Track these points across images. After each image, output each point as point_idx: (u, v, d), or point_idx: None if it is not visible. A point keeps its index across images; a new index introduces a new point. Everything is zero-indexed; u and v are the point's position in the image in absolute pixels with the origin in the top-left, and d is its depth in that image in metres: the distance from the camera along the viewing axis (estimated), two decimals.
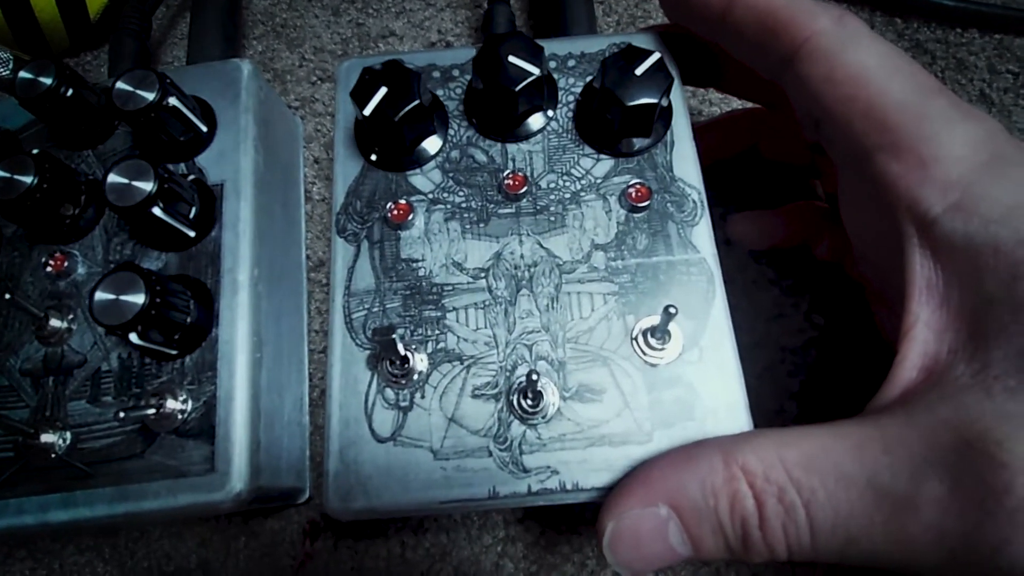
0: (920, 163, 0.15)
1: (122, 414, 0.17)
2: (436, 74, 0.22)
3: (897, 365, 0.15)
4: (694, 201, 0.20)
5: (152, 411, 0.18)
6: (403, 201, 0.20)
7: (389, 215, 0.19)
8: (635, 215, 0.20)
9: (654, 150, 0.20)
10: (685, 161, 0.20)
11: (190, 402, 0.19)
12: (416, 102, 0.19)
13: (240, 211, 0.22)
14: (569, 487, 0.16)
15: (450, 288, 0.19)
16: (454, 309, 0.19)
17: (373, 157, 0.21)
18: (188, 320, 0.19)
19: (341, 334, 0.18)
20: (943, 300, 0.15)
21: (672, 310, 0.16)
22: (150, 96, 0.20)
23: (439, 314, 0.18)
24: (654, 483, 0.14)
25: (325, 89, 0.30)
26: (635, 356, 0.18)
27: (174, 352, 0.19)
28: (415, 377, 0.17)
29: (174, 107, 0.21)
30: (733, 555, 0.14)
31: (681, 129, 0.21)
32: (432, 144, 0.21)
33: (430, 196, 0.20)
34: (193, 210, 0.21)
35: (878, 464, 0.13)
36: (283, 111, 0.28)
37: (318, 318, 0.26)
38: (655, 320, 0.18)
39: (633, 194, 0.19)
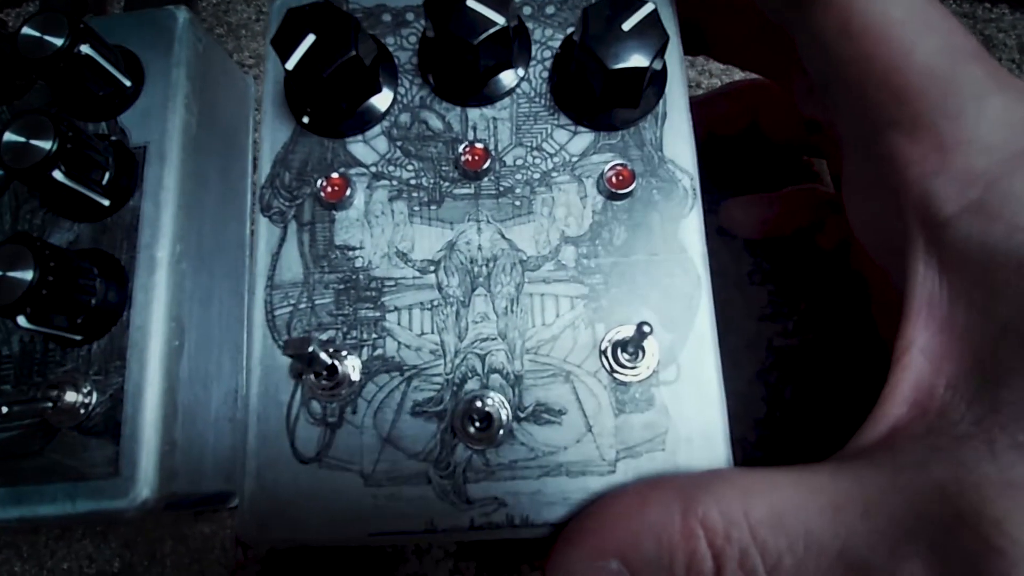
0: (938, 147, 0.12)
1: (5, 409, 0.15)
2: (386, 17, 0.18)
3: (885, 398, 0.13)
4: (685, 188, 0.17)
5: (48, 404, 0.16)
6: (338, 175, 0.16)
7: (322, 192, 0.16)
8: (614, 203, 0.17)
9: (642, 123, 0.17)
10: (678, 139, 0.17)
11: (95, 395, 0.17)
12: (352, 54, 0.15)
13: (164, 178, 0.18)
14: (518, 522, 0.14)
15: (392, 283, 0.16)
16: (396, 309, 0.16)
17: (305, 120, 0.17)
18: (94, 301, 0.17)
19: (262, 334, 0.16)
20: (946, 323, 0.12)
21: (646, 328, 0.13)
22: (58, 42, 0.17)
23: (378, 314, 0.16)
24: (606, 532, 0.13)
25: None
26: (603, 371, 0.15)
27: (78, 338, 0.17)
28: (346, 389, 0.15)
29: (87, 56, 0.17)
30: None
31: (676, 100, 0.17)
32: (378, 104, 0.17)
33: (372, 169, 0.17)
34: (107, 175, 0.18)
35: (854, 531, 0.11)
36: (229, 68, 0.24)
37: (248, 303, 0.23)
38: (629, 331, 0.15)
39: (613, 178, 0.16)
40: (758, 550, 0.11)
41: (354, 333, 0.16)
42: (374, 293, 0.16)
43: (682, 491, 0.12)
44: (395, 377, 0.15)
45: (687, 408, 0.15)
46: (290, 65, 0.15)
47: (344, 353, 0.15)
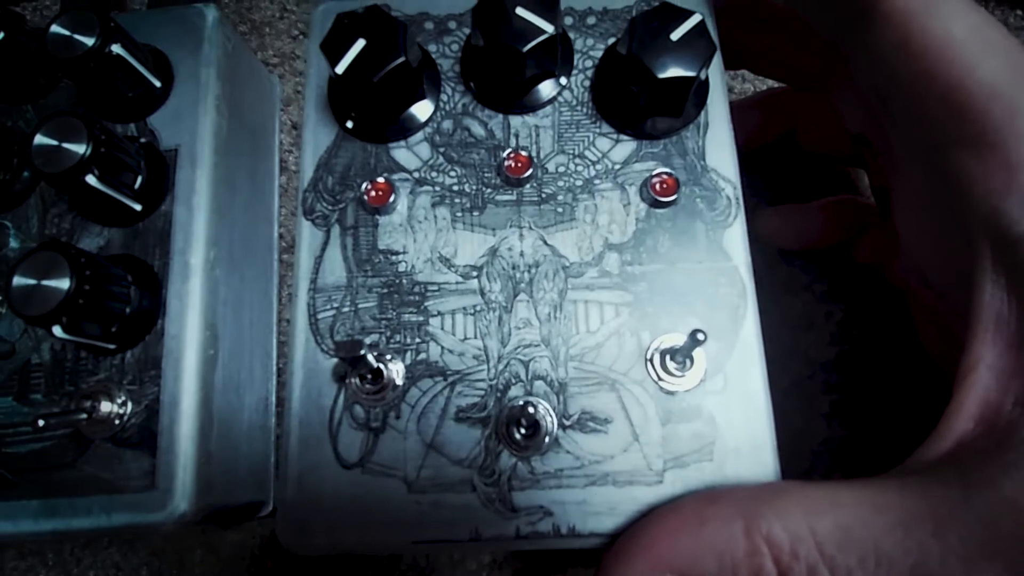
0: (1006, 165, 0.12)
1: (41, 422, 0.15)
2: (429, 25, 0.18)
3: (951, 414, 0.13)
4: (728, 198, 0.17)
5: (83, 416, 0.16)
6: (383, 180, 0.16)
7: (366, 196, 0.16)
8: (658, 210, 0.17)
9: (684, 133, 0.17)
10: (720, 149, 0.17)
11: (130, 405, 0.17)
12: (401, 59, 0.15)
13: (196, 182, 0.18)
14: (564, 531, 0.14)
15: (435, 288, 0.16)
16: (439, 314, 0.16)
17: (349, 124, 0.17)
18: (128, 310, 0.17)
19: (304, 337, 0.16)
20: (1014, 340, 0.12)
21: (700, 336, 0.13)
22: (89, 42, 0.17)
23: (421, 319, 0.16)
24: (661, 548, 0.12)
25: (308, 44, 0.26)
26: (649, 380, 0.15)
27: (112, 347, 0.17)
28: (390, 393, 0.15)
29: (118, 56, 0.17)
30: None
31: (717, 110, 0.17)
32: (421, 111, 0.17)
33: (415, 175, 0.17)
34: (139, 179, 0.18)
35: (927, 549, 0.11)
36: (256, 67, 0.24)
37: (290, 306, 0.23)
38: (676, 340, 0.15)
39: (657, 185, 0.16)
40: (827, 567, 0.11)
41: (398, 337, 0.16)
42: (417, 297, 0.16)
43: (743, 507, 0.12)
44: (439, 382, 0.15)
45: (735, 418, 0.15)
46: (340, 69, 0.15)
47: (388, 357, 0.15)
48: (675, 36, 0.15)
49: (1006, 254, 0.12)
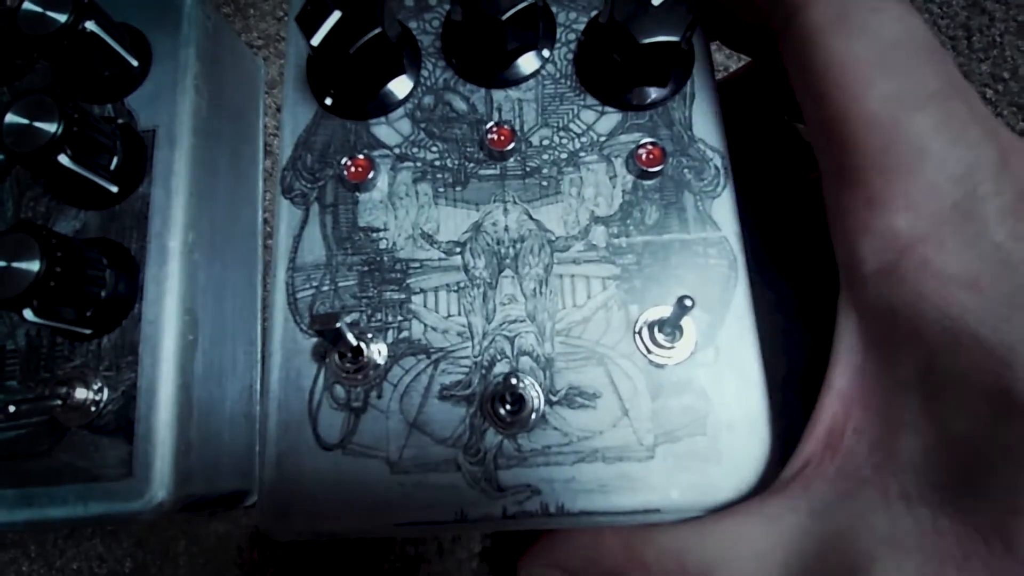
0: (868, 202, 0.12)
1: (12, 408, 0.14)
2: (409, 2, 0.18)
3: (805, 436, 0.13)
4: (716, 167, 0.16)
5: (57, 402, 0.15)
6: (362, 156, 0.16)
7: (345, 173, 0.16)
8: (645, 182, 0.16)
9: (670, 103, 0.17)
10: (707, 119, 0.17)
11: (106, 391, 0.16)
12: (378, 30, 0.15)
13: (174, 163, 0.18)
14: (552, 510, 0.13)
15: (417, 265, 0.16)
16: (421, 291, 0.15)
17: (328, 101, 0.17)
18: (103, 294, 0.16)
19: (283, 317, 0.15)
20: (859, 371, 0.13)
21: (688, 302, 0.13)
22: (61, 18, 0.17)
23: (403, 296, 0.15)
24: (564, 551, 0.14)
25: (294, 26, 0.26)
26: (638, 354, 0.15)
27: (87, 331, 0.16)
28: (371, 372, 0.14)
29: (92, 34, 0.17)
30: None
31: (703, 79, 0.17)
32: (401, 87, 0.17)
33: (396, 151, 0.17)
34: (115, 160, 0.18)
35: (747, 568, 0.12)
36: (239, 48, 0.24)
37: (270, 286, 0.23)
38: (664, 312, 0.14)
39: (644, 156, 0.16)
40: None
41: (379, 315, 0.15)
42: (399, 275, 0.15)
43: (629, 530, 0.14)
44: (422, 360, 0.15)
45: (727, 391, 0.14)
46: (315, 41, 0.15)
47: (369, 336, 0.15)
48: (656, 1, 0.15)
49: (856, 291, 0.13)
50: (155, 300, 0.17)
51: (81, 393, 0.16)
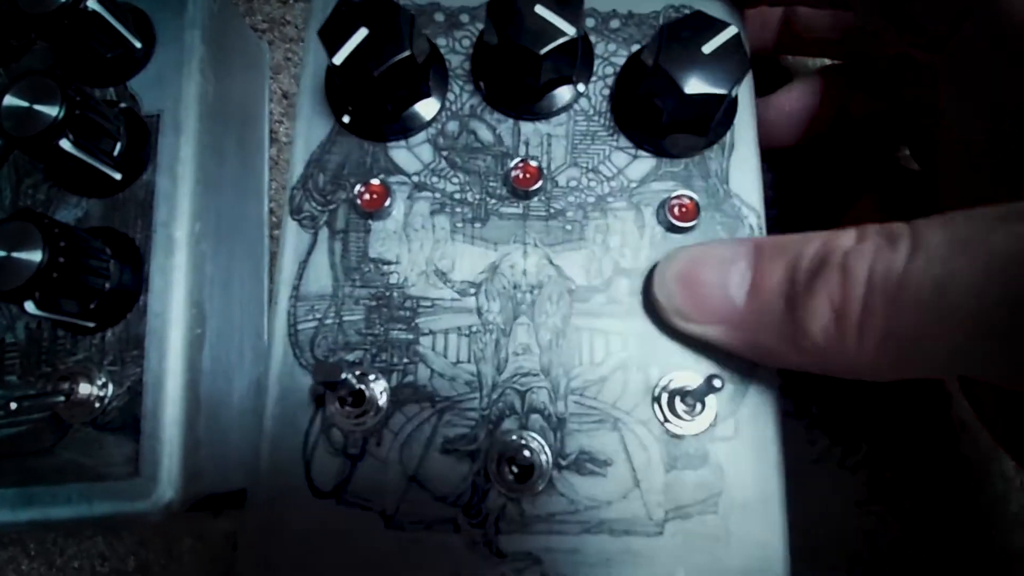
0: None
1: (14, 405, 0.14)
2: (439, 17, 0.17)
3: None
4: (752, 227, 0.15)
5: (60, 398, 0.15)
6: (378, 181, 0.15)
7: (359, 199, 0.15)
8: (674, 235, 0.15)
9: (708, 153, 0.16)
10: (745, 172, 0.16)
11: (111, 387, 0.15)
12: (406, 53, 0.14)
13: (180, 150, 0.17)
14: None
15: (428, 304, 0.15)
16: (431, 332, 0.14)
17: (346, 119, 0.16)
18: (107, 285, 0.15)
19: (282, 350, 0.14)
20: None
21: (717, 383, 0.12)
22: None
23: (411, 337, 0.14)
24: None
25: (299, 9, 0.24)
26: (655, 421, 0.14)
27: (91, 324, 0.15)
28: (371, 418, 0.14)
29: (94, 13, 0.16)
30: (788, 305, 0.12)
31: (744, 130, 0.16)
32: (425, 109, 0.16)
33: (415, 179, 0.16)
34: (119, 145, 0.16)
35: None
36: (244, 32, 0.22)
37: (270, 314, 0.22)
38: (687, 379, 0.14)
39: (676, 209, 0.15)
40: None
41: (384, 356, 0.14)
42: (408, 313, 0.15)
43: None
44: (426, 408, 0.14)
45: (744, 469, 0.14)
46: (338, 60, 0.14)
47: (372, 377, 0.14)
48: (707, 49, 0.14)
49: None
50: (161, 292, 0.16)
51: (85, 388, 0.15)
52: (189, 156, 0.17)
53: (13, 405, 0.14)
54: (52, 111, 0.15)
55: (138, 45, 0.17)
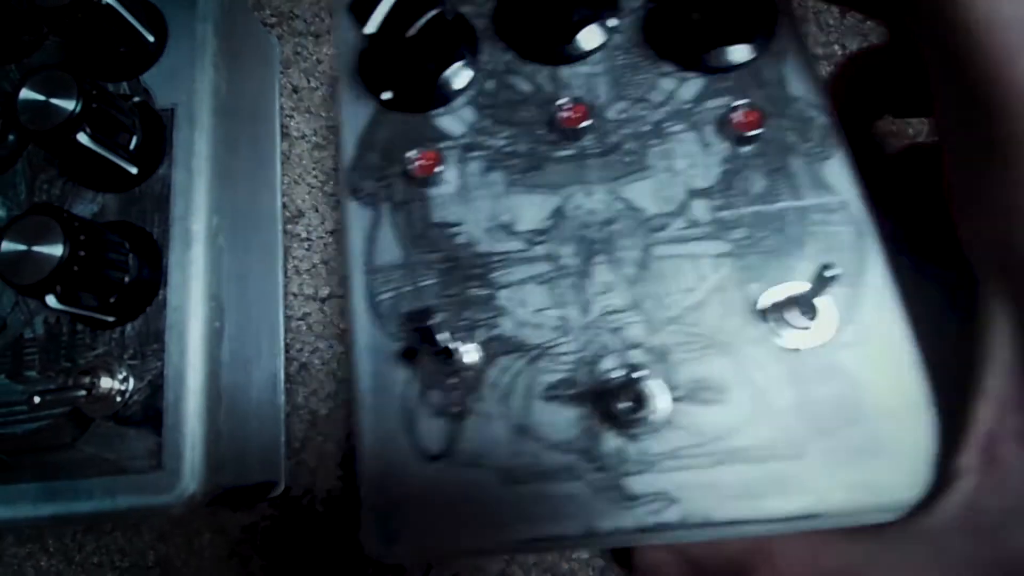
0: (1020, 181, 0.11)
1: (37, 399, 0.14)
2: None
3: (958, 446, 0.11)
4: (822, 126, 0.14)
5: (82, 392, 0.14)
6: (428, 150, 0.15)
7: (412, 169, 0.15)
8: (743, 148, 0.14)
9: (758, 62, 0.15)
10: (801, 74, 0.15)
11: (131, 381, 0.15)
12: (436, 11, 0.14)
13: (195, 143, 0.17)
14: (696, 520, 0.12)
15: (499, 259, 0.14)
16: (508, 285, 0.14)
17: (386, 96, 0.16)
18: (126, 279, 0.15)
19: (366, 322, 0.14)
20: (1016, 371, 0.11)
21: (830, 272, 0.11)
22: None
23: (488, 292, 0.14)
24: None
25: (307, 3, 0.25)
26: (768, 339, 0.13)
27: (110, 319, 0.15)
28: (466, 374, 0.13)
29: (107, 6, 0.16)
30: None
31: (789, 32, 0.15)
32: (460, 74, 0.16)
33: (463, 141, 0.15)
34: (135, 139, 0.17)
35: None
36: (255, 27, 0.23)
37: (296, 279, 0.22)
38: (793, 288, 0.13)
39: (740, 120, 0.14)
40: None
41: (466, 314, 0.14)
42: (481, 270, 0.14)
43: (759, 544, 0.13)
44: (518, 358, 0.13)
45: (879, 373, 0.12)
46: (370, 28, 0.14)
47: (460, 335, 0.13)
48: None
49: (1010, 279, 0.11)
50: (180, 286, 0.16)
51: (106, 383, 0.15)
52: (204, 150, 0.17)
53: (37, 399, 0.14)
54: (69, 105, 0.15)
55: (151, 39, 0.18)
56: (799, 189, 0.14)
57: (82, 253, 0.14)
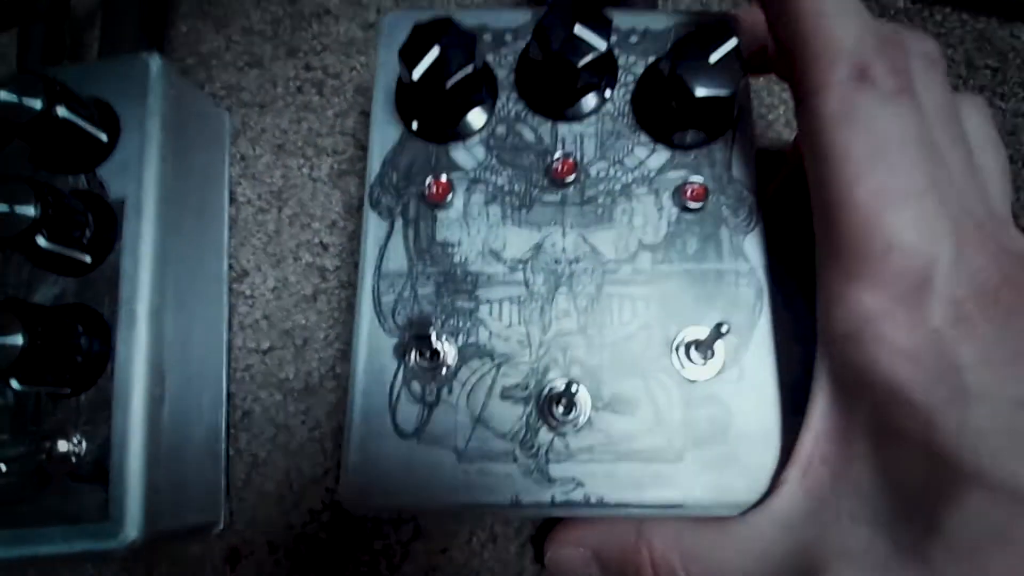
0: (845, 277, 0.15)
1: (3, 467, 0.17)
2: (487, 37, 0.20)
3: (789, 463, 0.16)
4: (750, 207, 0.18)
5: (42, 456, 0.17)
6: (444, 179, 0.18)
7: (427, 192, 0.18)
8: (687, 215, 0.18)
9: (714, 145, 0.19)
10: (744, 161, 0.19)
11: (84, 443, 0.18)
12: (470, 69, 0.17)
13: (141, 233, 0.19)
14: (593, 500, 0.16)
15: (485, 278, 0.18)
16: (488, 302, 0.18)
17: (415, 126, 0.19)
18: (79, 358, 0.18)
19: (369, 318, 0.17)
20: (829, 412, 0.16)
21: (724, 328, 0.15)
22: (36, 106, 0.18)
23: (472, 305, 0.18)
24: (586, 532, 0.18)
25: (253, 76, 0.26)
26: (673, 370, 0.17)
27: (67, 391, 0.18)
28: (444, 371, 0.17)
29: (64, 120, 0.18)
30: None
31: (744, 125, 0.19)
32: (478, 116, 0.19)
33: (472, 174, 0.19)
34: (88, 232, 0.19)
35: (750, 571, 0.15)
36: (203, 105, 0.24)
37: (240, 333, 0.23)
38: (700, 333, 0.17)
39: (689, 192, 0.18)
40: (683, 571, 0.16)
41: (451, 321, 0.17)
42: (470, 286, 0.18)
43: (636, 523, 0.17)
44: (486, 363, 0.17)
45: (748, 406, 0.16)
46: (416, 75, 0.17)
47: (444, 338, 0.17)
48: (713, 59, 0.17)
49: (828, 348, 0.15)
50: (125, 361, 0.18)
51: (63, 446, 0.18)
52: (150, 237, 0.19)
53: (3, 467, 0.17)
54: (29, 212, 0.17)
55: (104, 138, 0.20)
56: (722, 255, 0.18)
57: (39, 342, 0.16)
